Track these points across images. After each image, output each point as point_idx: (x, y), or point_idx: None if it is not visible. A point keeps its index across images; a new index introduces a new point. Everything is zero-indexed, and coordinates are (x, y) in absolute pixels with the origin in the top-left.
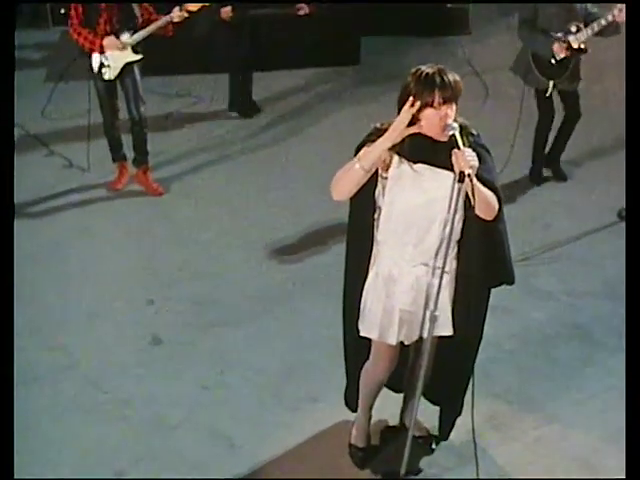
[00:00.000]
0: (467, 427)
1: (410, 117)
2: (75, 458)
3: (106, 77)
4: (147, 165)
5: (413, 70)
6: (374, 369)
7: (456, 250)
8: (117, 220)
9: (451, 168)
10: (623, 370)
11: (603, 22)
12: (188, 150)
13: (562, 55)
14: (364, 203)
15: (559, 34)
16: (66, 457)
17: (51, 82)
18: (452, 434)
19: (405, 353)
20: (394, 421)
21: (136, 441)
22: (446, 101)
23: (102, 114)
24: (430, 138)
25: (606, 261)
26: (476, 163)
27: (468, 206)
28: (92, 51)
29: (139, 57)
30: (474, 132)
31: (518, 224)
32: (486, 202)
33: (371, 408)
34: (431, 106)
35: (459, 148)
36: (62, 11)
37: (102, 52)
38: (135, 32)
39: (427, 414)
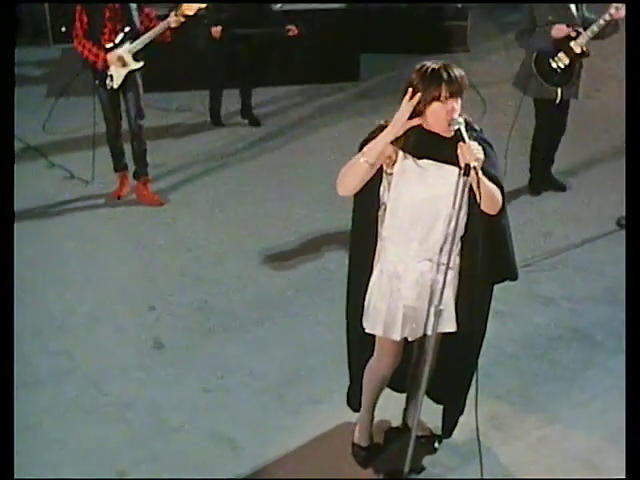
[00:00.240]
0: (469, 427)
1: (411, 109)
2: (76, 459)
3: (109, 87)
4: (147, 177)
5: (417, 66)
6: (378, 365)
7: (460, 246)
8: (118, 228)
9: (456, 163)
10: (623, 371)
11: (602, 22)
12: (187, 161)
13: (563, 35)
14: (369, 200)
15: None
16: (67, 458)
17: (52, 98)
18: (455, 434)
19: (408, 352)
20: (396, 422)
21: (137, 443)
22: (452, 95)
23: (105, 123)
24: (435, 133)
25: (606, 268)
26: (482, 156)
27: (473, 202)
28: (95, 64)
29: (140, 65)
30: (477, 128)
31: (519, 232)
32: (491, 196)
33: (374, 407)
34: (438, 100)
35: (464, 142)
36: (63, 29)
37: (106, 65)
38: (134, 41)
39: (429, 414)
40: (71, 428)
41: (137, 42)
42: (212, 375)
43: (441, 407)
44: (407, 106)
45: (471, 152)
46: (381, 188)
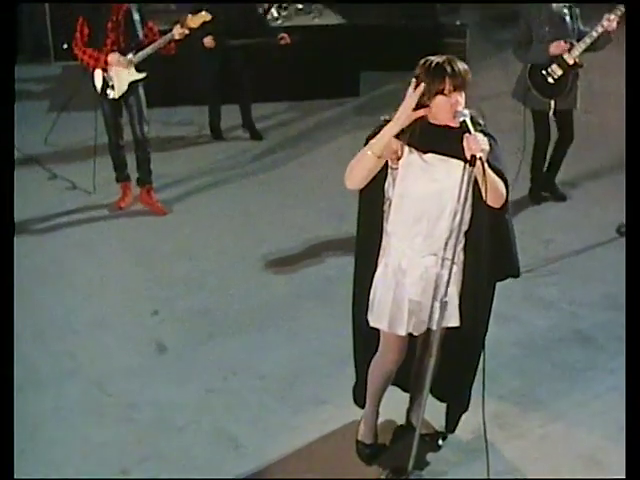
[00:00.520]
0: (473, 426)
1: (416, 99)
2: (80, 458)
3: (111, 96)
4: (151, 185)
5: (422, 61)
6: (383, 360)
7: (464, 242)
8: (120, 236)
9: (461, 157)
10: (623, 372)
11: (594, 34)
12: (190, 173)
13: (560, 53)
14: (374, 195)
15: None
16: (71, 457)
17: (54, 112)
18: (459, 432)
19: (412, 349)
20: (400, 421)
21: (141, 442)
22: (456, 88)
23: (107, 134)
24: (440, 128)
25: (606, 274)
26: (487, 147)
27: (477, 197)
28: (96, 67)
29: (143, 75)
30: (481, 122)
31: (519, 239)
32: (495, 188)
33: (379, 404)
34: (442, 93)
35: (470, 133)
36: (64, 46)
37: (105, 68)
38: (139, 51)
39: (433, 413)
40: (75, 428)
41: (140, 53)
42: (215, 376)
43: (444, 405)
44: (412, 97)
45: (477, 143)
46: (386, 184)
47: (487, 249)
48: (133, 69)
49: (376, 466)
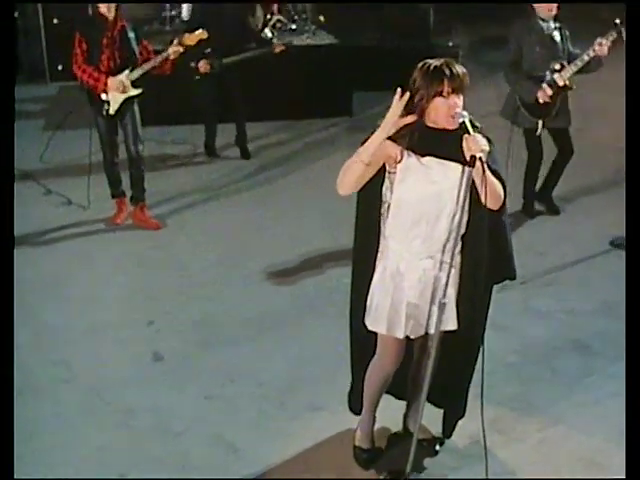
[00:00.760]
0: (470, 431)
1: (401, 108)
2: (78, 462)
3: (105, 111)
4: (144, 202)
5: (419, 65)
6: (380, 364)
7: (461, 245)
8: (116, 250)
9: (460, 160)
10: (622, 377)
11: (585, 57)
12: (184, 190)
13: (545, 100)
14: (371, 199)
15: (546, 73)
16: (69, 462)
17: (49, 131)
18: (456, 438)
19: (409, 354)
20: (397, 429)
21: (139, 446)
22: (455, 90)
23: (102, 151)
24: (438, 131)
25: (600, 284)
26: (487, 148)
27: (475, 200)
28: (95, 88)
29: (139, 91)
30: (478, 125)
31: (514, 252)
32: (494, 189)
33: (375, 409)
34: (440, 95)
35: (469, 134)
36: (59, 67)
37: (105, 92)
38: (134, 69)
39: (429, 418)
40: (73, 433)
41: (136, 70)
42: (213, 384)
43: (441, 411)
44: (397, 106)
45: (477, 143)
46: (384, 187)
47: (485, 251)
48: (129, 84)
49: (373, 470)
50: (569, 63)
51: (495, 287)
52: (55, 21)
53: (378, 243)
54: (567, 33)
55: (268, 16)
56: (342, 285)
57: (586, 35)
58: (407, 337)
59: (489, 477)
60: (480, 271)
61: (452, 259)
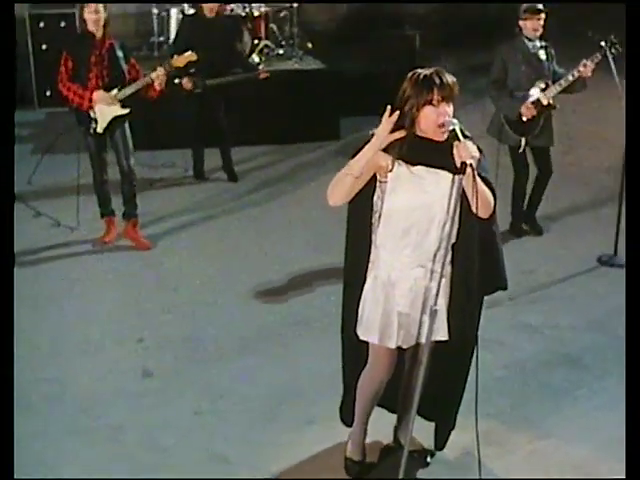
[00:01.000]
0: (461, 444)
1: (391, 126)
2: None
3: (92, 129)
4: (136, 219)
5: (409, 74)
6: (372, 374)
7: (451, 255)
8: (106, 270)
9: (450, 169)
10: (613, 391)
11: (570, 78)
12: (173, 211)
13: (529, 117)
14: (362, 208)
15: (530, 91)
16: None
17: (37, 155)
18: (448, 449)
19: (400, 366)
20: (388, 441)
21: (129, 461)
22: (444, 99)
23: (92, 169)
24: (428, 140)
25: (588, 300)
26: (477, 154)
27: (465, 209)
28: (81, 106)
29: (127, 111)
30: (468, 134)
31: None
32: (484, 197)
33: (367, 420)
34: (430, 104)
35: (460, 141)
36: (47, 93)
37: (91, 106)
38: (122, 88)
39: (420, 431)
40: (63, 450)
41: (124, 90)
42: (203, 399)
43: (432, 424)
44: (387, 122)
45: (467, 150)
46: (375, 196)
47: (476, 261)
48: (117, 104)
49: None
50: (554, 82)
51: (484, 303)
52: (44, 47)
53: (369, 253)
54: (552, 52)
55: (256, 41)
56: (331, 302)
57: (575, 53)
58: (399, 347)
59: None
60: (471, 281)
61: (443, 268)
